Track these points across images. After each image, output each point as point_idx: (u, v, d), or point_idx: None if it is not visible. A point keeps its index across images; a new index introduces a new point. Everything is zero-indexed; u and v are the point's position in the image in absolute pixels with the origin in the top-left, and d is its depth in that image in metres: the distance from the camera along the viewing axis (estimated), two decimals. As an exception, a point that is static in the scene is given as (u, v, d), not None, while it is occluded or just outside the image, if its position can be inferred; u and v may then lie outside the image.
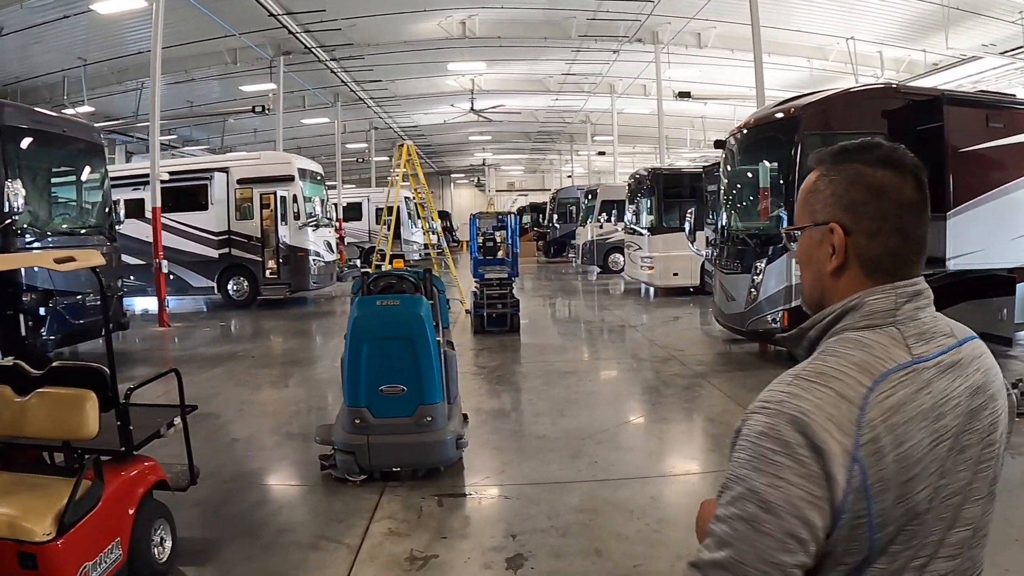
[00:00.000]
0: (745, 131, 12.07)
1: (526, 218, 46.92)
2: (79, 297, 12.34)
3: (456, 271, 18.81)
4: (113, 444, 4.69)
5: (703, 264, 18.27)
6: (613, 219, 27.94)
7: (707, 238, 14.58)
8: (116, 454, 4.73)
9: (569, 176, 51.83)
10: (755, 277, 11.13)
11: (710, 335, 14.30)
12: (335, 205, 34.41)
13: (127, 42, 23.17)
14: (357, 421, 6.38)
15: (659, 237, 20.37)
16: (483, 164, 59.63)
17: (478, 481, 6.76)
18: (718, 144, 13.30)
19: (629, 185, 23.53)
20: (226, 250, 21.17)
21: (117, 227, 14.51)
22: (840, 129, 10.48)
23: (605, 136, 40.13)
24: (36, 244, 11.69)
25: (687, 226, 14.47)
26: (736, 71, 26.49)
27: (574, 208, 37.31)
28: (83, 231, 13.37)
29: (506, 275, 15.67)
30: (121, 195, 19.69)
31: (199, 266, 21.18)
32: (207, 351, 14.27)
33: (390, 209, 18.97)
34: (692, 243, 14.54)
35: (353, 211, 36.22)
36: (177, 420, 5.38)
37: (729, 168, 12.77)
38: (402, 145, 19.22)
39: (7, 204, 11.01)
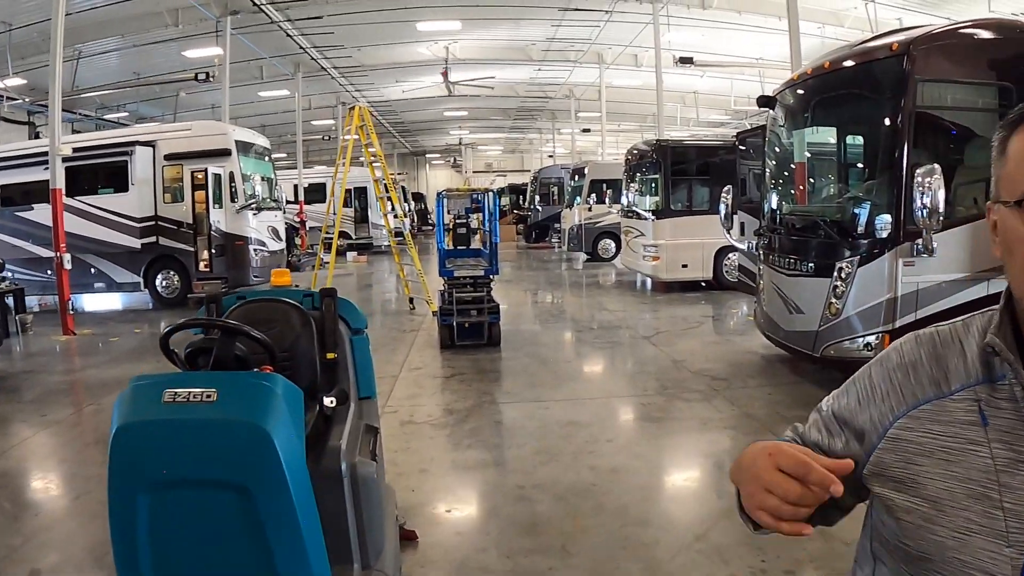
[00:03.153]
0: (815, 80, 8.80)
1: (505, 200, 44.74)
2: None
3: (421, 265, 15.49)
4: None
5: (737, 258, 14.83)
6: (607, 201, 24.93)
7: (742, 224, 11.38)
8: None
9: (550, 156, 49.05)
10: (838, 283, 7.95)
11: (753, 352, 11.02)
12: (295, 186, 31.67)
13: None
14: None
15: (667, 222, 17.27)
16: (460, 143, 57.17)
17: None
18: (765, 102, 10.05)
19: (627, 161, 20.34)
20: (152, 239, 17.98)
21: None
22: (964, 76, 7.64)
23: (590, 112, 37.60)
24: None
25: (723, 208, 11.07)
26: (743, 37, 24.62)
27: (557, 189, 34.98)
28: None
29: (482, 272, 12.43)
30: (26, 176, 17.55)
31: (122, 258, 18.09)
32: (105, 373, 11.06)
33: (349, 188, 15.53)
34: (730, 230, 11.21)
35: (318, 192, 32.74)
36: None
37: (785, 132, 9.58)
38: (353, 108, 15.85)
39: None
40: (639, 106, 37.24)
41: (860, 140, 8.21)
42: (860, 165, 8.36)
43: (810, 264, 8.46)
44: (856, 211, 7.90)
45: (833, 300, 8.00)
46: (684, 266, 17.32)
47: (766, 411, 8.17)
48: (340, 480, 3.49)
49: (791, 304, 8.77)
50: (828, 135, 9.09)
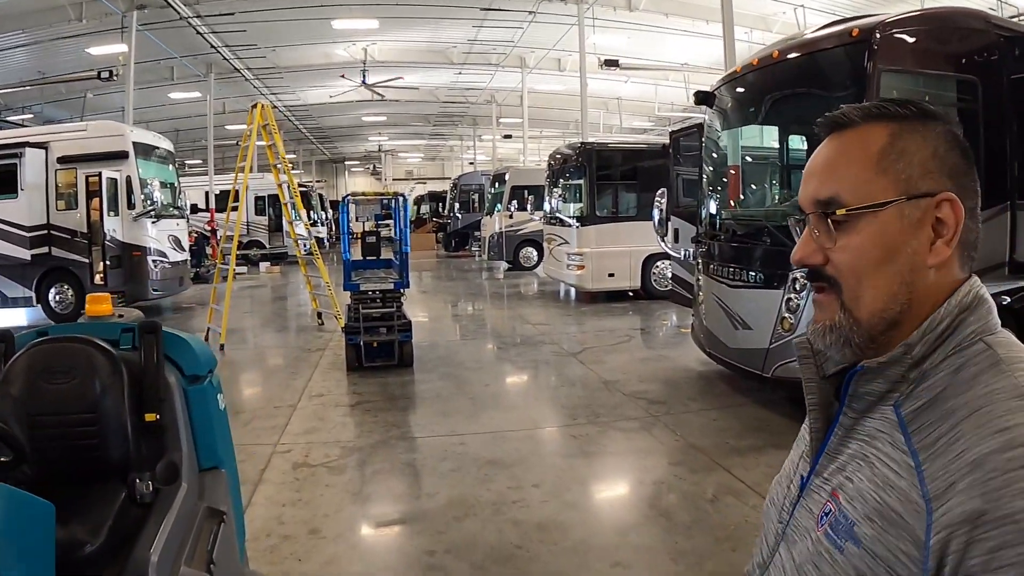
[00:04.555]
0: (762, 72, 7.93)
1: (425, 207, 44.54)
2: None
3: (329, 278, 14.35)
4: None
5: (671, 267, 13.95)
6: (528, 207, 24.00)
7: (676, 231, 10.50)
8: None
9: (471, 163, 48.41)
10: (792, 295, 7.09)
11: (690, 369, 10.10)
12: (207, 193, 30.31)
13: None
14: None
15: (591, 229, 16.43)
16: (379, 150, 56.36)
17: None
18: (702, 99, 9.16)
19: (550, 165, 19.48)
20: (44, 249, 16.49)
21: None
22: (927, 67, 6.99)
23: (512, 119, 37.13)
24: None
25: (656, 213, 10.14)
26: (669, 41, 24.61)
27: (477, 196, 33.94)
28: None
29: (392, 284, 11.38)
30: None
31: (11, 271, 16.56)
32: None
33: (238, 193, 14.27)
34: (664, 237, 10.30)
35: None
36: None
37: (727, 131, 8.74)
38: (255, 104, 14.66)
39: None
40: (562, 112, 36.89)
41: (815, 135, 7.39)
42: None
43: (758, 274, 7.58)
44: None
45: (787, 314, 7.14)
46: (611, 275, 16.48)
47: (713, 440, 7.21)
48: None
49: (736, 319, 7.88)
50: (776, 133, 8.27)
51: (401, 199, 12.79)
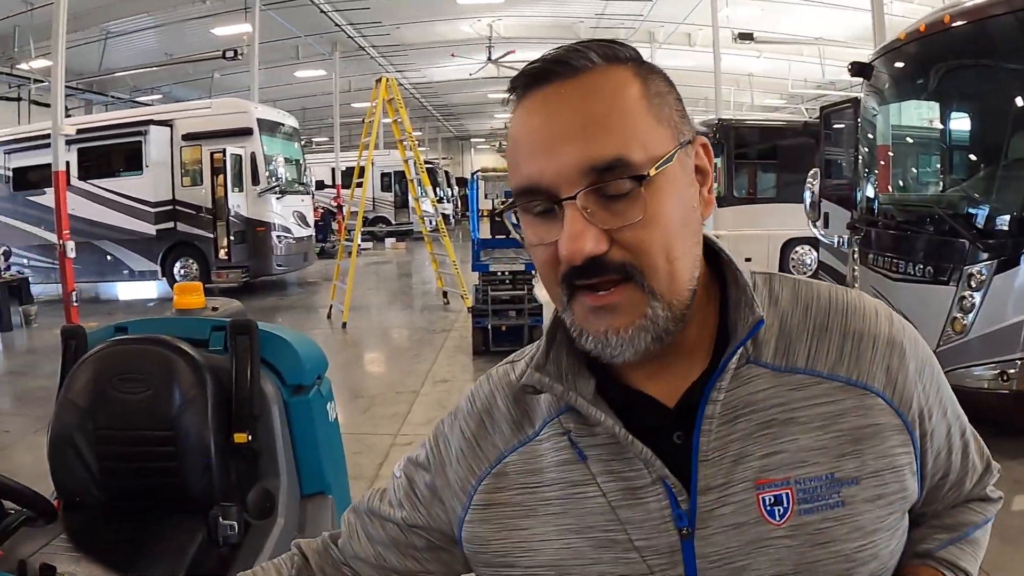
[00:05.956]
0: (931, 39, 7.07)
1: None
2: None
3: (455, 256, 14.02)
4: None
5: (819, 255, 13.12)
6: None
7: (826, 215, 9.73)
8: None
9: None
10: (966, 292, 6.31)
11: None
12: (333, 170, 30.52)
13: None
14: None
15: (727, 211, 15.41)
16: (505, 127, 54.94)
17: None
18: (858, 70, 8.33)
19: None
20: (169, 224, 16.90)
21: None
22: None
23: None
24: None
25: (808, 195, 9.30)
26: (804, 14, 23.70)
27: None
28: None
29: (523, 265, 10.94)
30: (37, 159, 16.43)
31: (137, 245, 17.07)
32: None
33: (363, 169, 14.11)
34: (815, 221, 9.47)
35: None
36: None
37: (888, 105, 7.95)
38: (380, 79, 14.43)
39: None
40: (692, 89, 35.81)
41: (999, 112, 6.50)
42: (998, 144, 6.62)
43: (926, 267, 6.80)
44: (993, 202, 6.24)
45: (958, 315, 6.36)
46: (747, 259, 15.56)
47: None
48: None
49: (899, 316, 7.15)
50: (946, 108, 7.40)
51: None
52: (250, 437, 2.53)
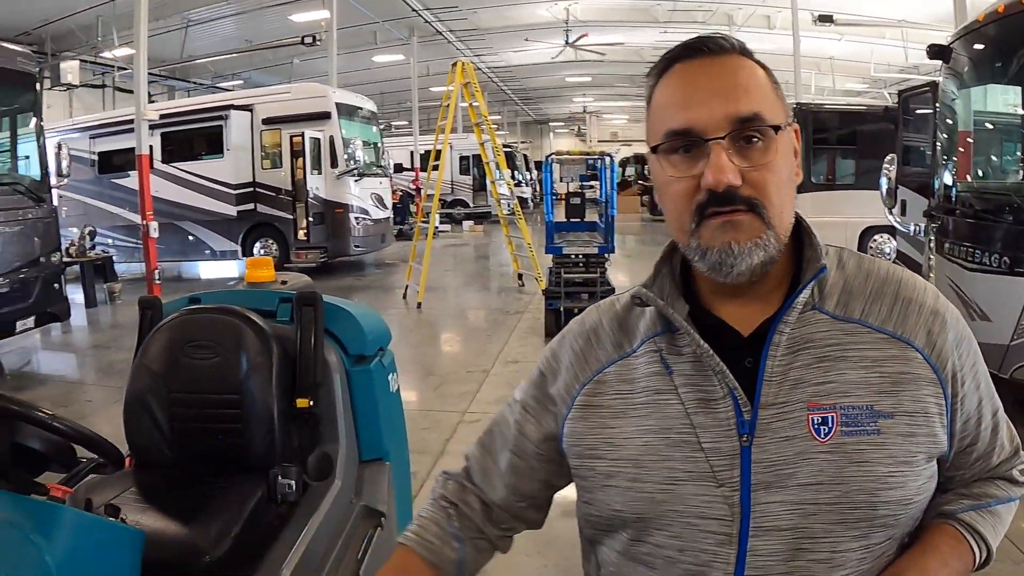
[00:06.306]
0: (1015, 20, 6.94)
1: (630, 170, 43.35)
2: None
3: (531, 239, 14.08)
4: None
5: (896, 243, 12.82)
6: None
7: (903, 202, 9.53)
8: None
9: None
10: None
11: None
12: (411, 153, 30.75)
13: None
14: None
15: (805, 197, 15.12)
16: (583, 111, 55.91)
17: None
18: (936, 52, 8.15)
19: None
20: (250, 206, 17.31)
21: (62, 182, 10.64)
22: None
23: None
24: None
25: (884, 182, 9.07)
26: None
27: (683, 160, 32.67)
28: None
29: (596, 249, 10.94)
30: (122, 143, 16.84)
31: (219, 226, 17.52)
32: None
33: (439, 152, 14.24)
34: (892, 209, 9.24)
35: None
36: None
37: (968, 88, 7.78)
38: (456, 63, 14.54)
39: None
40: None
41: None
42: None
43: (1004, 257, 6.66)
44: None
45: (1040, 307, 6.22)
46: (829, 248, 15.41)
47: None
48: None
49: (973, 307, 6.97)
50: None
51: (607, 159, 12.27)
52: (312, 403, 2.66)
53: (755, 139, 1.24)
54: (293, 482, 2.46)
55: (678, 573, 1.28)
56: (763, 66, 1.32)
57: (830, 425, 1.24)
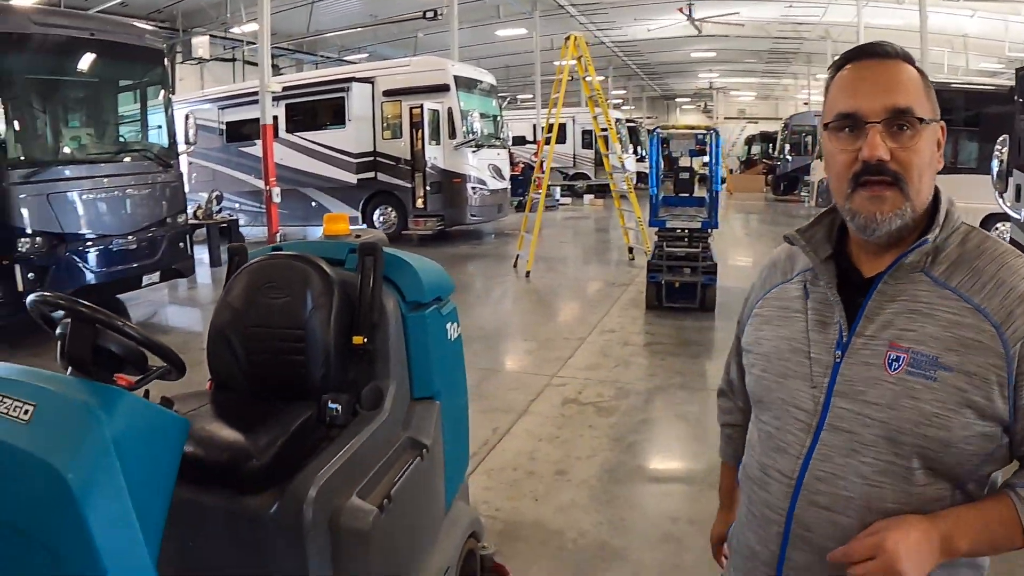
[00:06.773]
0: None
1: (755, 148, 43.11)
2: (104, 240, 9.49)
3: (641, 213, 14.12)
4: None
5: (1010, 230, 12.38)
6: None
7: (1018, 188, 9.24)
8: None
9: (805, 103, 44.82)
10: None
11: None
12: (534, 126, 30.96)
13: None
14: None
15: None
16: (710, 87, 54.86)
17: None
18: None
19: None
20: (370, 174, 17.97)
21: (188, 149, 11.46)
22: None
23: None
24: (39, 175, 8.86)
25: (995, 165, 8.77)
26: None
27: (809, 138, 32.08)
28: (118, 157, 10.30)
29: (699, 223, 11.02)
30: (249, 113, 17.90)
31: (340, 193, 18.29)
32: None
33: (551, 125, 14.47)
34: (1002, 194, 8.91)
35: (559, 133, 31.70)
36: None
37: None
38: (568, 37, 14.72)
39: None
40: (901, 50, 33.97)
41: None
42: None
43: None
44: None
45: None
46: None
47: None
48: (300, 535, 2.46)
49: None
50: None
51: (714, 134, 12.25)
52: (366, 341, 2.99)
53: (905, 127, 1.53)
54: (340, 407, 2.80)
55: (772, 445, 1.69)
56: (920, 71, 1.60)
57: (900, 363, 1.52)
